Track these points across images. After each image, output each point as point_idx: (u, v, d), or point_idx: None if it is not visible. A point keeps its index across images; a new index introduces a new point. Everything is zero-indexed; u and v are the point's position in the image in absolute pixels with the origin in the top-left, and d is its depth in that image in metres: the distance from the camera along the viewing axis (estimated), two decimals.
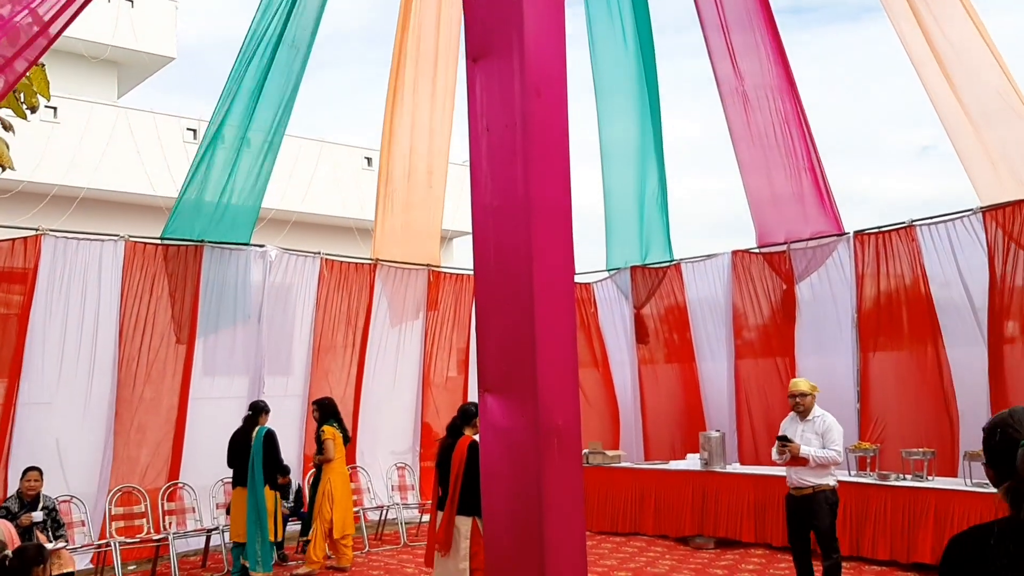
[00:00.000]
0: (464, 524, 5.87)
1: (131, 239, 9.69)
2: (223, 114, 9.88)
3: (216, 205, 10.05)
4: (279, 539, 8.71)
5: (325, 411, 9.19)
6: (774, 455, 7.00)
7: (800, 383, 7.09)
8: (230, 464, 8.67)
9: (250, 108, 9.87)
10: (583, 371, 12.55)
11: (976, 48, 8.72)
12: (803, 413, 6.91)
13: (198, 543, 9.42)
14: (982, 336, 8.94)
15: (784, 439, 6.78)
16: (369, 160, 16.82)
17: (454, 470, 6.01)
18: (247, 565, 8.31)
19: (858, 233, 10.17)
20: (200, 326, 10.01)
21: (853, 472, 8.79)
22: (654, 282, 12.34)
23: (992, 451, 2.14)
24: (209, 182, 9.97)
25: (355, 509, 10.26)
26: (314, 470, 9.19)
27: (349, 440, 9.45)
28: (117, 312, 9.51)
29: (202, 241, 10.08)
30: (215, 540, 9.19)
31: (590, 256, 13.21)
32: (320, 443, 8.92)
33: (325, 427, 8.96)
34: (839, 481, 6.97)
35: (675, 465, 10.57)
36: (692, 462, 10.33)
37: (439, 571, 6.10)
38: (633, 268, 12.49)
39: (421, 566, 8.65)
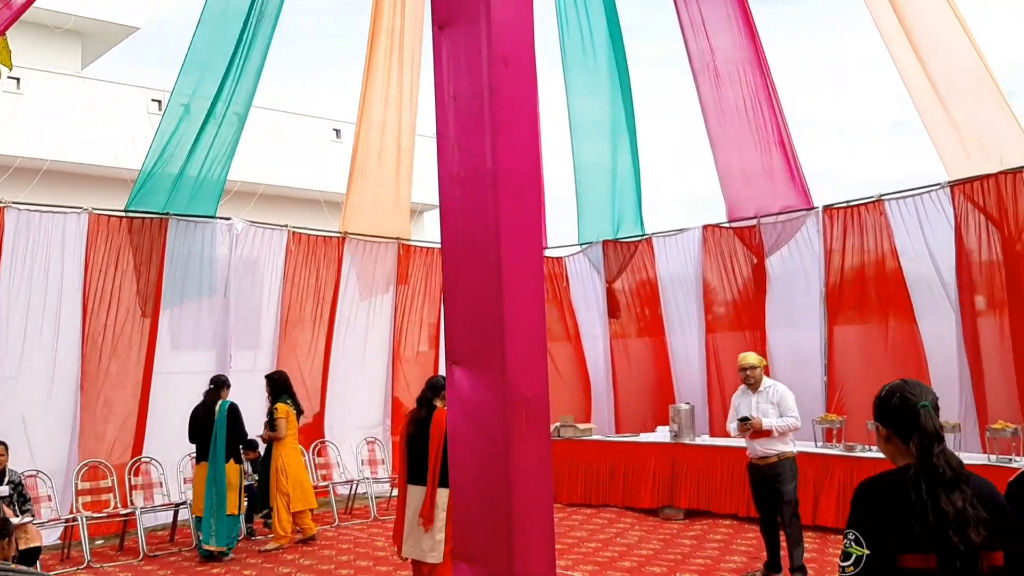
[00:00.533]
0: (442, 496, 5.86)
1: (95, 212, 9.55)
2: (188, 85, 9.73)
3: (181, 177, 9.90)
4: (241, 513, 8.67)
5: (276, 386, 9.12)
6: (731, 430, 7.21)
7: (749, 356, 7.33)
8: (192, 439, 8.63)
9: (215, 79, 9.71)
10: (555, 345, 12.58)
11: (947, 24, 8.75)
12: (754, 385, 7.18)
13: (166, 517, 9.38)
14: (952, 309, 9.06)
15: (745, 419, 6.96)
16: (338, 132, 16.64)
17: (434, 442, 5.97)
18: (201, 538, 8.33)
19: (827, 207, 10.25)
20: (165, 300, 9.91)
21: (819, 443, 8.89)
22: (626, 256, 12.37)
23: (890, 413, 2.60)
24: (174, 154, 9.82)
25: (324, 484, 10.32)
26: (266, 446, 9.14)
27: (302, 413, 9.41)
28: (81, 285, 9.39)
29: (167, 214, 9.95)
30: (183, 514, 9.15)
31: (562, 230, 13.22)
32: (273, 420, 8.88)
33: (279, 404, 8.92)
34: (801, 452, 7.14)
35: (645, 437, 10.65)
36: (662, 434, 10.41)
37: (412, 543, 6.10)
38: (605, 242, 12.50)
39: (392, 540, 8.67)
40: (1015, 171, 8.50)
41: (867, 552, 2.43)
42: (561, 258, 13.23)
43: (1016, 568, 2.39)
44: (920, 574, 2.40)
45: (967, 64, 8.71)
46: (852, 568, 2.45)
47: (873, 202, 9.80)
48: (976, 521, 2.36)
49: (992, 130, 8.73)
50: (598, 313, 12.74)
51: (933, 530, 2.37)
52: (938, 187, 9.19)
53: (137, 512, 8.77)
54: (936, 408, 2.56)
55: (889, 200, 9.65)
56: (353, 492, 10.75)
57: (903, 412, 2.56)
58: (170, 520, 9.30)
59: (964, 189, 8.91)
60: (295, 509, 8.83)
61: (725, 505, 9.37)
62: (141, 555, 8.48)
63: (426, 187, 12.56)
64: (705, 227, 11.48)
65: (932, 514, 2.38)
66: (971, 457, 7.85)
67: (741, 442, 7.54)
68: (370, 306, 11.88)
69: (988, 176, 8.69)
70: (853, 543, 2.48)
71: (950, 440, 8.01)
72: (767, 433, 6.90)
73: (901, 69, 9.21)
